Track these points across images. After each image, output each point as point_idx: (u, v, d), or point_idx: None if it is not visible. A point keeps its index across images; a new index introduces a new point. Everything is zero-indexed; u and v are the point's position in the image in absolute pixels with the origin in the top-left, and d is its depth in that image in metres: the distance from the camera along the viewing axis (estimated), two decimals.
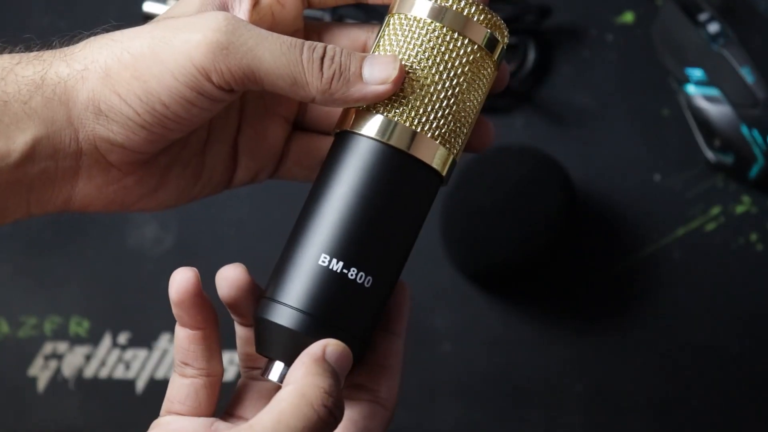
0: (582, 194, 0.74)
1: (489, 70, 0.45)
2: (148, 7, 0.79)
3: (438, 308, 0.72)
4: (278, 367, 0.44)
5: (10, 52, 0.44)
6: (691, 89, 0.73)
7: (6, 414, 0.71)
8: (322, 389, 0.40)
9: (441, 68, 0.44)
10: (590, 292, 0.72)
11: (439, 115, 0.44)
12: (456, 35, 0.44)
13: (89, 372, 0.71)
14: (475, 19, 0.44)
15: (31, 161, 0.42)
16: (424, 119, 0.44)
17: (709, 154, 0.74)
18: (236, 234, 0.74)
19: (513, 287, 0.72)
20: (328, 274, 0.43)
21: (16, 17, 0.81)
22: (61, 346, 0.72)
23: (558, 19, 0.78)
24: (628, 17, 0.79)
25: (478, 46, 0.44)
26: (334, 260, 0.43)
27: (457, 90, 0.44)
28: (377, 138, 0.43)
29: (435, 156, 0.44)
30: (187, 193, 0.47)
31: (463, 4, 0.44)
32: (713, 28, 0.72)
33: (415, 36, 0.44)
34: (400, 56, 0.44)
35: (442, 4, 0.44)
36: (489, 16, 0.45)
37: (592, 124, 0.76)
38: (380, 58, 0.44)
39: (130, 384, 0.71)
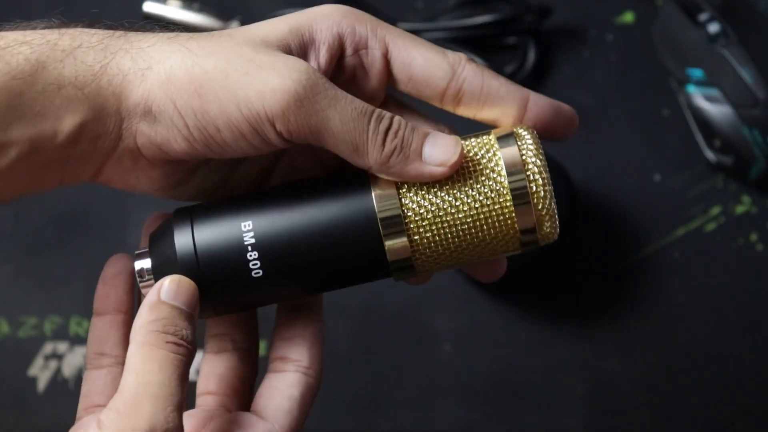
0: (582, 194, 0.74)
1: (508, 249, 0.45)
2: (148, 7, 0.79)
3: (438, 308, 0.72)
4: (145, 262, 0.45)
5: (65, 26, 0.44)
6: (691, 89, 0.73)
7: (6, 414, 0.71)
8: (158, 332, 0.42)
9: (472, 219, 0.43)
10: (590, 292, 0.72)
11: (435, 240, 0.44)
12: (508, 205, 0.43)
13: None
14: (537, 209, 0.44)
15: (75, 143, 0.42)
16: (422, 232, 0.43)
17: (709, 154, 0.74)
18: None
19: (513, 287, 0.72)
20: (237, 239, 0.43)
21: (16, 17, 0.81)
22: (62, 346, 0.72)
23: (558, 19, 0.78)
24: (628, 17, 0.79)
25: (516, 230, 0.44)
26: (251, 234, 0.43)
27: (468, 242, 0.44)
28: (374, 203, 0.43)
29: (398, 257, 0.44)
30: (209, 194, 0.47)
31: (540, 193, 0.43)
32: (713, 28, 0.72)
33: (479, 171, 0.44)
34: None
35: (524, 176, 0.43)
36: (551, 225, 0.44)
37: (592, 124, 0.76)
38: (443, 139, 0.44)
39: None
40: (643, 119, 0.76)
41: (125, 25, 0.46)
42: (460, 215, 0.43)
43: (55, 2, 0.81)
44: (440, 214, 0.43)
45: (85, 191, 0.75)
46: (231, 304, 0.45)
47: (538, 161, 0.43)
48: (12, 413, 0.71)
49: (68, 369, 0.71)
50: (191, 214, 0.44)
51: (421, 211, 0.43)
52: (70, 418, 0.71)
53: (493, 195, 0.43)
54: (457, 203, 0.43)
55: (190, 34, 0.44)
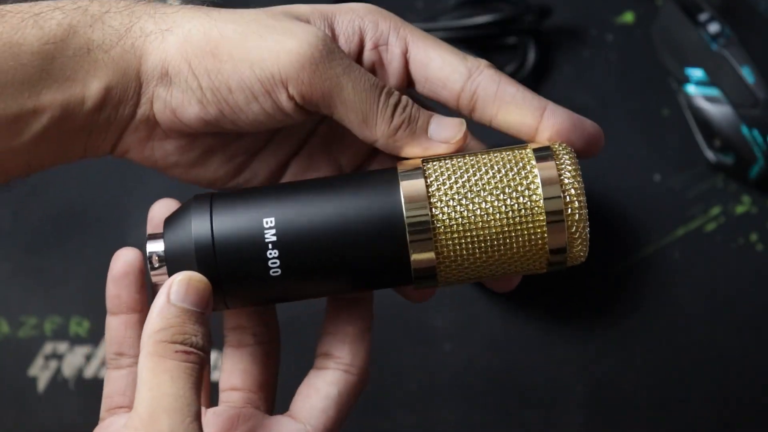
0: None
1: (534, 267, 0.44)
2: None
3: (438, 308, 0.72)
4: (158, 246, 0.43)
5: None
6: (691, 89, 0.73)
7: (6, 414, 0.71)
8: (166, 343, 0.41)
9: (502, 234, 0.42)
10: (590, 292, 0.72)
11: (462, 253, 0.43)
12: (541, 224, 0.42)
13: (89, 372, 0.71)
14: (570, 231, 0.43)
15: (101, 109, 0.43)
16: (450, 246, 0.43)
17: (709, 154, 0.74)
18: None
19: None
20: (258, 235, 0.42)
21: None
22: (61, 346, 0.72)
23: (558, 19, 0.78)
24: (628, 17, 0.79)
25: (545, 250, 0.43)
26: (273, 231, 0.42)
27: (495, 258, 0.43)
28: (403, 209, 0.42)
29: (422, 266, 0.43)
30: (222, 182, 0.47)
31: (576, 216, 0.43)
32: (713, 28, 0.72)
33: (514, 186, 0.43)
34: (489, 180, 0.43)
35: (560, 195, 0.42)
36: (582, 248, 0.44)
37: None
38: (448, 119, 0.44)
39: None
40: (643, 119, 0.76)
41: None
42: (490, 229, 0.42)
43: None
44: (470, 226, 0.42)
45: (84, 190, 0.75)
46: (244, 299, 0.44)
47: (575, 182, 0.42)
48: (12, 413, 0.71)
49: (68, 369, 0.71)
50: (212, 201, 0.43)
51: (451, 223, 0.42)
52: (70, 418, 0.72)
53: (526, 212, 0.42)
54: (488, 217, 0.42)
55: (214, 8, 0.45)
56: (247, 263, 0.43)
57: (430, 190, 0.42)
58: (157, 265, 0.44)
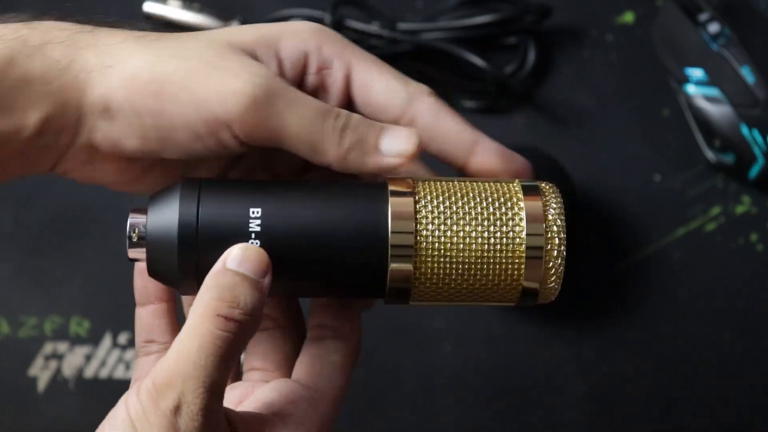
0: (582, 194, 0.74)
1: (505, 299, 0.45)
2: (148, 7, 0.79)
3: (438, 309, 0.72)
4: (140, 220, 0.44)
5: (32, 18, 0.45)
6: (691, 89, 0.73)
7: (6, 414, 0.71)
8: (213, 301, 0.41)
9: (481, 261, 0.43)
10: (590, 292, 0.72)
11: (439, 273, 0.43)
12: (520, 256, 0.43)
13: (89, 372, 0.71)
14: (547, 267, 0.44)
15: (39, 137, 0.43)
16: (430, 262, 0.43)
17: (709, 154, 0.74)
18: None
19: None
20: (243, 224, 0.43)
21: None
22: (62, 346, 0.72)
23: (558, 19, 0.78)
24: (628, 17, 0.79)
25: (519, 283, 0.44)
26: (258, 222, 0.43)
27: (470, 284, 0.44)
28: (389, 223, 0.43)
29: (398, 283, 0.43)
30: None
31: (554, 252, 0.43)
32: (713, 28, 0.72)
33: (499, 217, 0.43)
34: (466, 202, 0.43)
35: (542, 231, 0.43)
36: (555, 286, 0.44)
37: (592, 124, 0.76)
38: (398, 130, 0.44)
39: (130, 384, 0.71)
40: (643, 119, 0.76)
41: (97, 19, 0.46)
42: (470, 254, 0.43)
43: (55, 2, 0.81)
44: (451, 247, 0.43)
45: (85, 191, 0.75)
46: None
47: (558, 221, 0.44)
48: (12, 413, 0.71)
49: (68, 369, 0.71)
50: (201, 186, 0.44)
51: (433, 241, 0.43)
52: (70, 418, 0.72)
53: (507, 243, 0.43)
54: (470, 241, 0.43)
55: (159, 34, 0.45)
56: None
57: (417, 206, 0.43)
58: (135, 240, 0.44)
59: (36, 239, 0.74)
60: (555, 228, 0.43)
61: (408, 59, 0.76)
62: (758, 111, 0.71)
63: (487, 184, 0.44)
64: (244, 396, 0.46)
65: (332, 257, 0.43)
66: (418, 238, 0.43)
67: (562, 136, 0.76)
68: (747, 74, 0.71)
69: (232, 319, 0.41)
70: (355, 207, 0.43)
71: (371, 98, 0.46)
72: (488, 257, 0.43)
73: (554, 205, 0.44)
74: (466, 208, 0.43)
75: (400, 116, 0.45)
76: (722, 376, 0.70)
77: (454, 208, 0.43)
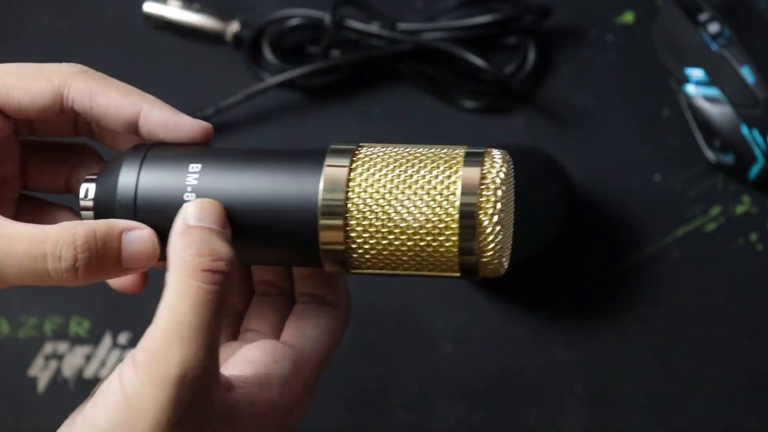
0: (582, 194, 0.74)
1: (446, 270, 0.43)
2: (148, 7, 0.79)
3: (438, 309, 0.72)
4: (90, 190, 0.44)
5: None
6: (691, 89, 0.73)
7: (6, 414, 0.71)
8: (194, 258, 0.41)
9: (414, 229, 0.42)
10: (590, 292, 0.72)
11: (372, 239, 0.43)
12: (453, 225, 0.42)
13: (89, 372, 0.71)
14: (482, 237, 0.42)
15: None
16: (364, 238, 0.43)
17: (709, 154, 0.74)
18: None
19: (513, 287, 0.72)
20: (180, 184, 0.43)
21: (16, 17, 0.81)
22: (62, 347, 0.72)
23: (558, 19, 0.78)
24: (628, 17, 0.79)
25: (455, 254, 0.42)
26: (195, 176, 0.43)
27: (405, 252, 0.43)
28: (320, 187, 0.43)
29: (331, 247, 0.43)
30: None
31: (487, 223, 0.42)
32: (713, 28, 0.72)
33: (434, 185, 0.42)
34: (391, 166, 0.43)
35: (476, 201, 0.42)
36: (496, 258, 0.43)
37: (592, 124, 0.76)
38: (139, 240, 0.43)
39: None
40: (643, 119, 0.76)
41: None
42: (403, 223, 0.42)
43: (55, 2, 0.81)
44: (384, 216, 0.42)
45: None
46: (164, 250, 0.44)
47: (498, 191, 0.42)
48: (12, 413, 0.71)
49: (68, 369, 0.71)
50: (146, 152, 0.44)
51: (365, 209, 0.42)
52: None
53: (440, 211, 0.42)
54: (404, 211, 0.42)
55: None
56: (164, 212, 0.43)
57: (352, 175, 0.43)
58: (84, 206, 0.45)
59: None
60: (492, 197, 0.42)
61: (408, 59, 0.76)
62: (758, 111, 0.71)
63: (432, 150, 0.43)
64: (230, 354, 0.46)
65: (268, 220, 0.43)
66: (348, 204, 0.42)
67: (562, 136, 0.76)
68: (747, 74, 0.71)
69: (217, 271, 0.41)
70: (292, 172, 0.43)
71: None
72: (422, 225, 0.42)
73: (495, 173, 0.42)
74: (403, 176, 0.42)
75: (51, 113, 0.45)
76: (722, 376, 0.70)
77: (390, 176, 0.42)
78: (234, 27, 0.78)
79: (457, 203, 0.42)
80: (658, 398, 0.70)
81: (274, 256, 0.45)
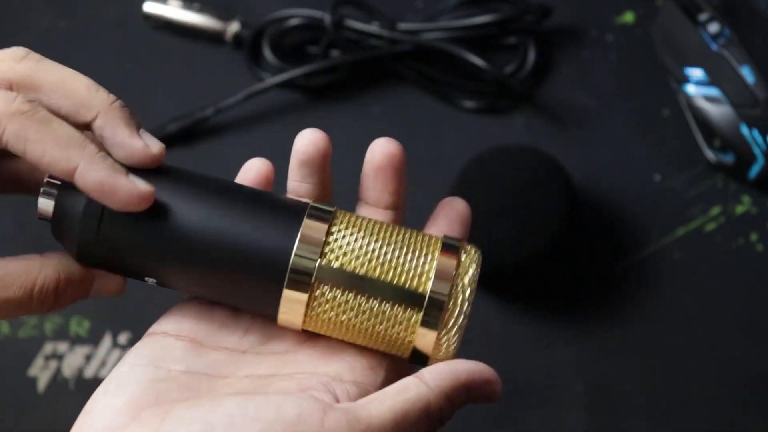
0: (582, 194, 0.74)
1: (399, 351, 0.43)
2: (148, 7, 0.79)
3: None
4: (46, 205, 0.43)
5: None
6: (691, 89, 0.73)
7: (6, 414, 0.71)
8: (443, 405, 0.42)
9: (377, 308, 0.41)
10: (590, 292, 0.72)
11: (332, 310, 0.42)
12: (418, 304, 0.41)
13: (89, 372, 0.71)
14: (445, 329, 0.41)
15: None
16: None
17: (709, 154, 0.74)
18: None
19: (513, 287, 0.72)
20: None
21: (16, 17, 0.81)
22: (62, 346, 0.72)
23: (558, 19, 0.78)
24: (628, 17, 0.79)
25: (412, 335, 0.41)
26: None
27: (361, 327, 0.42)
28: (297, 242, 0.41)
29: (292, 306, 0.42)
30: None
31: (453, 318, 0.41)
32: (713, 28, 0.72)
33: (407, 270, 0.41)
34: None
35: (447, 292, 0.41)
36: (446, 351, 0.42)
37: (592, 124, 0.76)
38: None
39: None
40: (643, 119, 0.76)
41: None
42: (370, 297, 0.41)
43: (55, 2, 0.81)
44: (352, 287, 0.41)
45: None
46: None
47: (469, 289, 0.41)
48: (12, 413, 0.71)
49: (68, 369, 0.71)
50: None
51: (335, 274, 0.41)
52: (70, 418, 0.71)
53: (409, 294, 0.41)
54: (373, 286, 0.41)
55: None
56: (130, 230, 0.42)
57: (329, 237, 0.42)
58: (45, 191, 0.43)
59: (36, 239, 0.74)
60: (461, 294, 0.41)
61: (408, 59, 0.76)
62: (758, 111, 0.71)
63: (410, 235, 0.42)
64: None
65: (235, 258, 0.41)
66: (320, 267, 0.41)
67: (562, 136, 0.76)
68: (747, 74, 0.71)
69: (438, 421, 0.44)
70: (271, 216, 0.42)
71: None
72: (387, 306, 0.41)
73: (470, 270, 0.41)
74: (379, 251, 0.41)
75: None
76: (722, 376, 0.70)
77: (367, 249, 0.41)
78: (234, 27, 0.78)
79: (429, 284, 0.41)
80: (658, 398, 0.70)
81: (230, 293, 0.43)
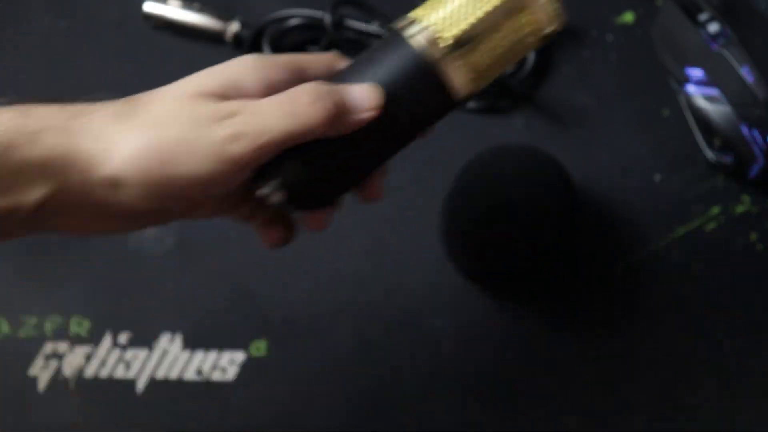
0: (582, 194, 0.74)
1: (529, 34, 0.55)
2: (148, 7, 0.79)
3: (438, 309, 0.72)
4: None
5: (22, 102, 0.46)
6: (691, 89, 0.73)
7: (6, 414, 0.71)
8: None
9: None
10: (590, 292, 0.72)
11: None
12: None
13: (90, 372, 0.71)
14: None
15: (39, 211, 0.45)
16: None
17: (709, 154, 0.74)
18: (237, 235, 0.74)
19: (513, 287, 0.72)
20: None
21: (16, 17, 0.81)
22: (62, 346, 0.72)
23: None
24: (628, 17, 0.79)
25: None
26: None
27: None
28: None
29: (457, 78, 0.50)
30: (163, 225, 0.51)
31: None
32: (713, 28, 0.72)
33: None
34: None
35: None
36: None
37: (592, 124, 0.76)
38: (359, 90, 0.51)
39: (130, 384, 0.71)
40: (643, 119, 0.76)
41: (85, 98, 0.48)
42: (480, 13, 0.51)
43: (55, 2, 0.81)
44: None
45: None
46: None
47: None
48: (12, 413, 0.71)
49: (68, 369, 0.71)
50: None
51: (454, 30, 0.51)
52: (70, 418, 0.72)
53: None
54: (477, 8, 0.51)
55: (132, 104, 0.47)
56: None
57: (430, 29, 0.50)
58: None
59: (36, 239, 0.74)
60: None
61: None
62: (758, 111, 0.71)
63: None
64: None
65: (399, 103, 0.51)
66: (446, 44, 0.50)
67: (562, 136, 0.76)
68: (747, 74, 0.71)
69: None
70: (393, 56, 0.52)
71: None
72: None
73: None
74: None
75: None
76: (722, 376, 0.70)
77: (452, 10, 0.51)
78: (234, 27, 0.78)
79: None
80: (658, 398, 0.70)
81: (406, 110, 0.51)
